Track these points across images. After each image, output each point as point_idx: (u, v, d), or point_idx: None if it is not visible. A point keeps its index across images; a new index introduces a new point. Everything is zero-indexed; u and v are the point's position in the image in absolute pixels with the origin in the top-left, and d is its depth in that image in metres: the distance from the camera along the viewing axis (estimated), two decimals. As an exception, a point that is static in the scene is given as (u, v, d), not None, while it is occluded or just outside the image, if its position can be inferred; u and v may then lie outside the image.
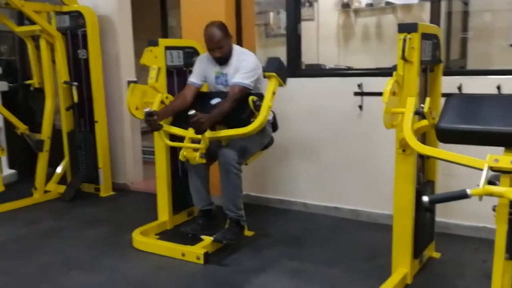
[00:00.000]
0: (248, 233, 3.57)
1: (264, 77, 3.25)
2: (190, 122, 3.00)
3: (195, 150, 3.14)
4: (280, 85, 3.17)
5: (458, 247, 3.31)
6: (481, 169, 1.97)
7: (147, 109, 3.15)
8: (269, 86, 3.12)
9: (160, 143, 3.60)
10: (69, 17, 4.64)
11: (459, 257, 3.15)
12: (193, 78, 3.47)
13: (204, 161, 3.16)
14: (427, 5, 5.26)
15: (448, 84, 3.19)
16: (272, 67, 3.12)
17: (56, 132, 4.78)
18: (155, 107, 3.45)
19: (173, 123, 3.39)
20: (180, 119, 3.35)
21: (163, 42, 3.58)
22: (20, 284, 2.95)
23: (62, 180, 4.85)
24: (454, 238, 3.45)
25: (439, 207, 3.18)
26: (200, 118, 2.98)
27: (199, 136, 3.11)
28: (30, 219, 4.11)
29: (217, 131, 3.24)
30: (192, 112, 2.98)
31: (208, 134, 3.13)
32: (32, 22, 4.54)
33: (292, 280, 2.91)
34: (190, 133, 3.19)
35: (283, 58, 4.07)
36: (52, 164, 4.79)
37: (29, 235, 3.76)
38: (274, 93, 3.12)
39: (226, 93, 3.27)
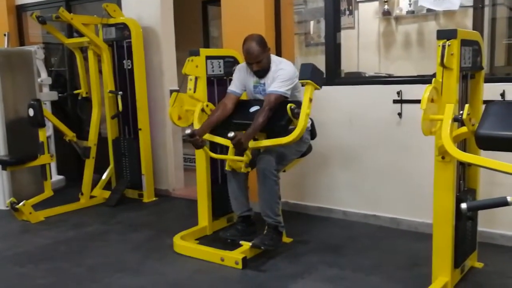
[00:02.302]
0: (286, 239, 3.60)
1: (303, 85, 3.28)
2: (232, 143, 3.14)
3: (240, 160, 3.25)
4: (316, 89, 3.18)
5: (503, 257, 3.24)
6: (523, 177, 1.94)
7: (188, 131, 3.27)
8: (305, 93, 3.15)
9: (201, 151, 3.68)
10: (115, 29, 4.82)
11: (503, 268, 3.08)
12: (233, 87, 3.55)
13: (249, 169, 3.28)
14: (470, 11, 5.16)
15: (491, 91, 3.14)
16: (306, 73, 3.13)
17: (102, 140, 4.97)
18: (196, 115, 3.54)
19: (215, 131, 3.47)
20: (223, 127, 3.44)
21: (204, 52, 3.68)
22: (69, 285, 3.08)
23: (107, 186, 5.03)
24: (499, 248, 3.38)
25: (483, 216, 3.12)
26: (240, 139, 3.09)
27: (245, 157, 3.23)
28: (77, 222, 4.28)
29: (258, 141, 3.31)
30: (231, 134, 3.10)
31: (250, 144, 3.20)
32: (81, 34, 4.76)
33: (330, 287, 2.92)
34: (236, 157, 3.30)
35: (322, 66, 4.11)
36: (98, 170, 4.97)
37: (76, 238, 3.92)
38: (311, 100, 3.14)
39: (264, 101, 3.33)
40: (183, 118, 3.72)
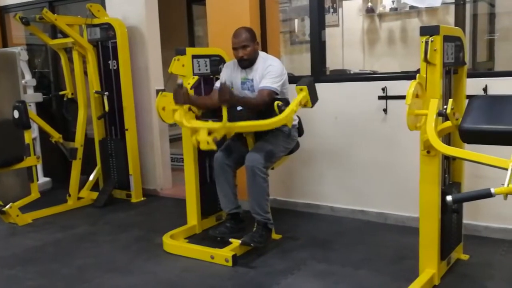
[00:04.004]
0: (275, 236, 3.63)
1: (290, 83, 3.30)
2: (220, 88, 3.09)
3: (210, 134, 3.08)
4: (306, 103, 3.19)
5: (487, 249, 3.30)
6: (506, 169, 1.98)
7: (179, 81, 3.24)
8: (297, 96, 3.18)
9: (189, 151, 3.70)
10: (99, 29, 4.80)
11: (488, 259, 3.14)
12: (217, 103, 3.52)
13: (214, 147, 3.08)
14: (452, 8, 5.23)
15: (474, 86, 3.20)
16: (305, 83, 3.19)
17: (88, 141, 4.94)
18: (182, 113, 3.52)
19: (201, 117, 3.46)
20: (208, 115, 3.44)
21: (190, 51, 3.69)
22: (59, 286, 3.07)
23: (95, 187, 5.00)
24: (484, 240, 3.44)
25: (468, 209, 3.18)
26: (228, 88, 3.07)
27: (219, 124, 3.09)
28: (65, 224, 4.26)
29: (237, 123, 3.15)
30: (224, 81, 3.11)
31: (228, 124, 3.08)
32: (65, 35, 4.73)
33: (320, 282, 2.95)
34: (209, 123, 3.19)
35: (308, 64, 4.14)
36: (85, 171, 4.94)
37: (65, 239, 3.90)
38: (300, 104, 3.17)
39: (253, 99, 3.34)
40: (167, 109, 3.59)
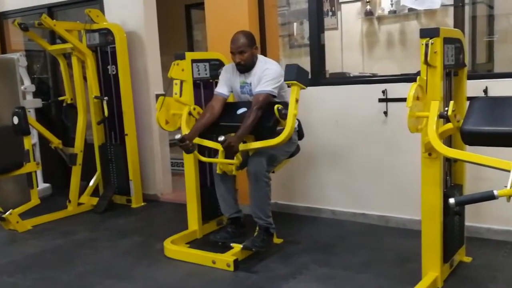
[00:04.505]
0: (277, 240, 3.61)
1: (288, 86, 3.30)
2: (222, 147, 3.16)
3: (230, 163, 3.28)
4: (302, 88, 3.19)
5: (490, 251, 3.28)
6: (508, 171, 1.97)
7: (178, 136, 3.29)
8: (291, 94, 3.17)
9: (190, 155, 3.68)
10: (98, 35, 4.79)
11: (491, 261, 3.13)
12: (220, 89, 3.55)
13: (239, 172, 3.30)
14: (451, 10, 5.22)
15: (474, 87, 3.19)
16: (291, 74, 3.14)
17: (88, 146, 4.93)
18: (183, 119, 3.54)
19: (203, 134, 3.47)
20: (211, 130, 3.45)
21: (189, 55, 3.68)
22: (58, 293, 3.06)
23: (95, 192, 4.98)
24: (486, 242, 3.43)
25: (470, 211, 3.17)
26: (230, 143, 3.11)
27: (235, 161, 3.26)
28: (66, 230, 4.24)
29: (248, 144, 3.31)
30: (221, 138, 3.13)
31: (240, 147, 3.21)
32: (64, 41, 4.72)
33: (322, 286, 2.94)
34: (225, 160, 3.33)
35: (307, 67, 4.13)
36: (85, 177, 4.93)
37: (65, 245, 3.88)
38: (297, 100, 3.16)
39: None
40: (170, 122, 3.72)
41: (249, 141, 3.43)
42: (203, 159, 3.53)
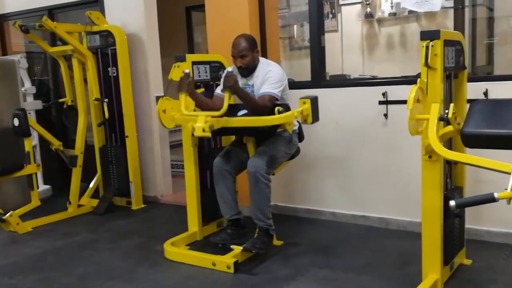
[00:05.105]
0: (277, 242, 3.61)
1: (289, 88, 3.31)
2: (225, 75, 3.13)
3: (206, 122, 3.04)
4: (307, 118, 3.21)
5: (490, 253, 3.28)
6: (508, 173, 1.97)
7: (187, 70, 3.27)
8: (300, 107, 3.18)
9: (190, 157, 3.69)
10: (99, 37, 4.80)
11: (491, 264, 3.13)
12: (220, 90, 3.55)
13: (209, 134, 3.04)
14: (451, 12, 5.22)
15: (474, 90, 3.19)
16: (309, 98, 3.22)
17: (88, 148, 4.93)
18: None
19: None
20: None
21: (190, 57, 3.69)
22: (58, 294, 3.06)
23: (95, 194, 4.99)
24: (486, 245, 3.43)
25: (470, 214, 3.17)
26: (233, 77, 3.11)
27: (218, 113, 3.10)
28: (66, 232, 4.24)
29: (235, 118, 3.22)
30: (231, 70, 3.17)
31: (232, 122, 3.15)
32: (64, 43, 4.73)
33: (322, 288, 2.94)
34: (208, 112, 3.17)
35: (307, 70, 4.14)
36: (85, 179, 4.93)
37: (65, 247, 3.89)
38: (301, 114, 3.18)
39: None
40: (167, 113, 3.61)
41: (249, 143, 3.43)
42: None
